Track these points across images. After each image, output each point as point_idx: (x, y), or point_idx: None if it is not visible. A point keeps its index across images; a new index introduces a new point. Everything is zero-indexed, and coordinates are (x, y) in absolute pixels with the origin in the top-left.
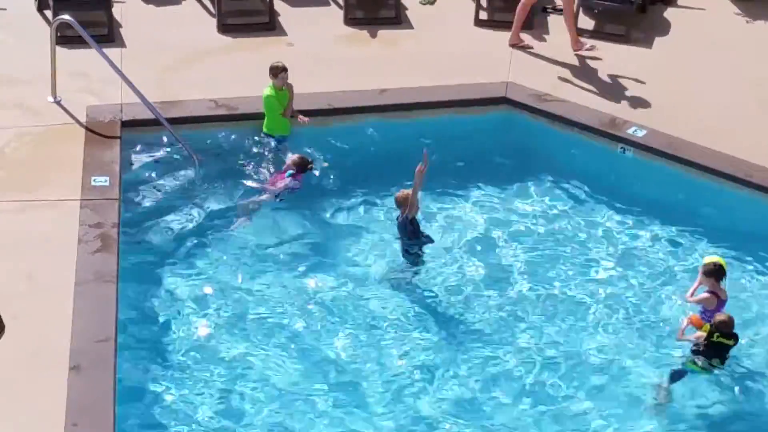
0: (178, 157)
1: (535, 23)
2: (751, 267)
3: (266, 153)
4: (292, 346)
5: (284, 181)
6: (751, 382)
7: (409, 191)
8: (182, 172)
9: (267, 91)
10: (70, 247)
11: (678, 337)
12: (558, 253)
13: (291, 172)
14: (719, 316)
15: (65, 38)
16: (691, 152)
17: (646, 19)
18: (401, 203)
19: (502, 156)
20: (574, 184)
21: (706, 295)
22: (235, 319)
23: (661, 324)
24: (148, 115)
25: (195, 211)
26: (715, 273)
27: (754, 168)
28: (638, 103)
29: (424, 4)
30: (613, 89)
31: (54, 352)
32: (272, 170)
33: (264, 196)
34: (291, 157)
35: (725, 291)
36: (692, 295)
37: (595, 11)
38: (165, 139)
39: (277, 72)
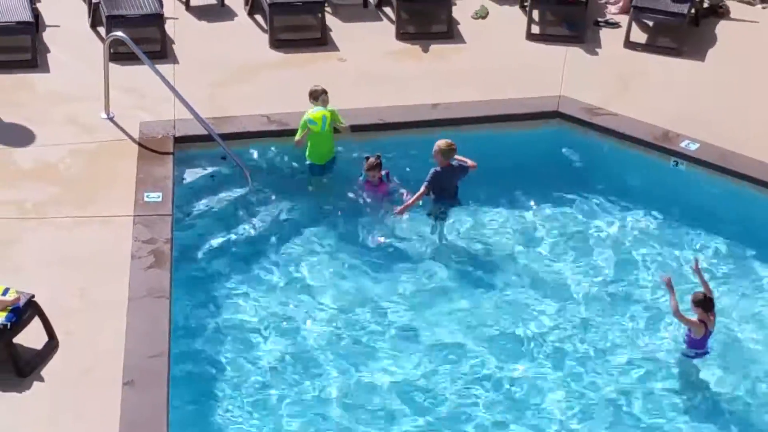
0: (230, 172)
1: (587, 37)
2: None
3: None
4: (352, 361)
5: (391, 183)
6: None
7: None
8: (234, 188)
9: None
10: (123, 263)
11: None
12: (610, 266)
13: (384, 173)
14: None
15: (118, 55)
16: (744, 165)
17: (699, 32)
18: (451, 150)
19: (553, 170)
20: (626, 197)
21: (695, 319)
22: (290, 334)
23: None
24: (200, 131)
25: (247, 227)
26: (703, 303)
27: None
28: (691, 116)
29: (476, 19)
30: (665, 103)
31: (107, 368)
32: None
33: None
34: (367, 165)
35: (713, 321)
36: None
37: (649, 24)
38: (217, 154)
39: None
